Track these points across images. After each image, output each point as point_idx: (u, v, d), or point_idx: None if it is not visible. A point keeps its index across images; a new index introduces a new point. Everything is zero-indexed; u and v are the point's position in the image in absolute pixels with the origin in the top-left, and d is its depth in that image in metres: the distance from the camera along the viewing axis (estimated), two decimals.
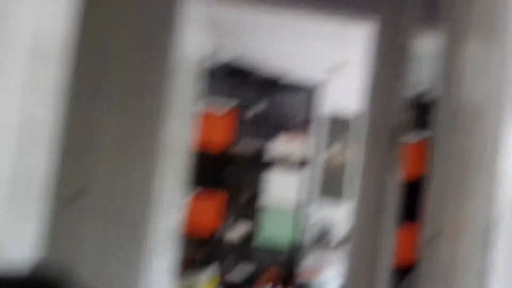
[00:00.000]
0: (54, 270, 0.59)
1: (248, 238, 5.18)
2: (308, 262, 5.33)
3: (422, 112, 2.73)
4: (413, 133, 2.77)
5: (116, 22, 2.71)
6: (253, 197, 5.19)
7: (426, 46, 2.78)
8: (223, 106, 5.09)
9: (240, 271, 5.17)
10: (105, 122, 2.69)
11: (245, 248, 5.24)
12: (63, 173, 2.02)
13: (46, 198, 1.58)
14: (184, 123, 3.19)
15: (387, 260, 2.80)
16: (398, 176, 2.79)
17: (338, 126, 5.60)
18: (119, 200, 2.71)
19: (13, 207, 1.38)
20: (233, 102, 5.16)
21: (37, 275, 0.59)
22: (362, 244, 3.02)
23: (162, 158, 2.77)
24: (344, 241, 4.88)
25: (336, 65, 4.80)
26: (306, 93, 5.30)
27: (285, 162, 5.17)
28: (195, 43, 3.20)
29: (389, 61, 2.98)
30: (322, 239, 5.46)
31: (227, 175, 5.18)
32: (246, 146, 5.19)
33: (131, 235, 2.71)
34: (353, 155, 4.97)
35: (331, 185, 5.54)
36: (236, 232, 5.16)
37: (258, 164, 5.19)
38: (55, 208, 1.79)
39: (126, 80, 2.72)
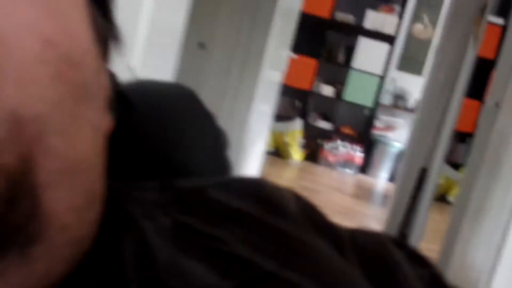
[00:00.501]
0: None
1: (334, 98, 5.26)
2: (382, 121, 5.42)
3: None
4: (493, 17, 2.67)
5: None
6: (344, 62, 5.19)
7: None
8: None
9: (321, 126, 5.33)
10: None
11: (331, 105, 5.37)
12: (189, 30, 2.10)
13: (176, 46, 1.72)
14: None
15: (450, 126, 2.81)
16: (473, 56, 2.74)
17: (432, 5, 5.36)
18: (232, 55, 2.73)
19: (151, 49, 1.46)
20: None
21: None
22: (430, 110, 2.98)
23: (274, 20, 2.74)
24: (416, 106, 4.91)
25: None
26: None
27: (376, 34, 5.08)
28: None
29: None
30: (398, 103, 5.41)
31: (325, 39, 5.23)
32: (343, 16, 5.14)
33: (242, 84, 2.78)
34: (437, 31, 4.88)
35: (412, 59, 5.39)
36: (326, 91, 5.24)
37: (351, 33, 5.14)
38: (182, 55, 1.93)
39: None
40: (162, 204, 0.34)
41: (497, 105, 1.95)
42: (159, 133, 0.47)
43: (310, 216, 0.37)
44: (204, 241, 0.32)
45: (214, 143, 0.52)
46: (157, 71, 1.53)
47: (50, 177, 0.24)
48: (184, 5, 1.63)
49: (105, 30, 0.30)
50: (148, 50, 1.40)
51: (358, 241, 0.38)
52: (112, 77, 0.37)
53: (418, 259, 0.40)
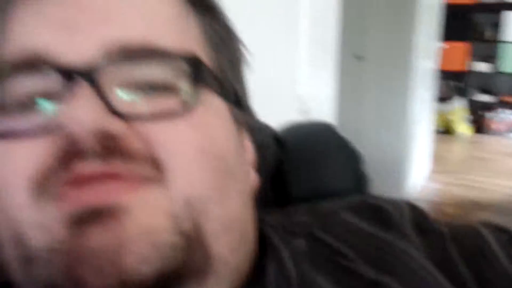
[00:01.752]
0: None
1: (490, 73, 4.72)
2: None
3: None
4: None
5: None
6: (494, 38, 4.63)
7: None
8: None
9: (482, 100, 4.83)
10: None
11: (488, 79, 4.82)
12: (348, 43, 2.06)
13: (336, 56, 1.52)
14: None
15: None
16: None
17: None
18: (387, 55, 2.63)
19: (312, 58, 1.33)
20: None
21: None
22: None
23: (418, 15, 2.59)
24: None
25: None
26: None
27: None
28: None
29: None
30: None
31: (472, 22, 4.71)
32: None
33: (399, 74, 2.66)
34: None
35: None
36: (481, 67, 4.75)
37: (497, 10, 4.53)
38: (343, 65, 1.78)
39: None
40: (306, 225, 0.38)
41: None
42: (307, 167, 0.51)
43: (418, 221, 0.38)
44: (334, 257, 0.35)
45: (352, 167, 0.53)
46: (319, 88, 1.44)
47: (214, 232, 0.29)
48: (335, 19, 1.44)
49: (242, 118, 0.35)
50: (310, 70, 1.34)
51: (457, 235, 0.37)
52: (266, 129, 0.45)
53: None
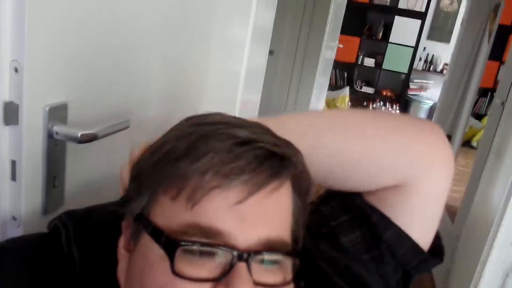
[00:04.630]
0: None
1: (375, 67, 5.19)
2: (416, 83, 5.30)
3: None
4: None
5: None
6: (383, 38, 5.11)
7: None
8: None
9: (365, 91, 5.29)
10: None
11: (373, 74, 5.30)
12: None
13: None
14: None
15: (476, 84, 2.73)
16: (494, 25, 2.58)
17: None
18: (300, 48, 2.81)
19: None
20: None
21: None
22: (458, 72, 2.96)
23: (330, 11, 2.74)
24: (445, 69, 4.76)
25: None
26: None
27: (409, 12, 4.98)
28: None
29: None
30: (429, 67, 5.27)
31: (366, 20, 5.13)
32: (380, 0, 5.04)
33: (309, 64, 2.86)
34: (462, 4, 4.66)
35: (440, 30, 5.18)
36: (368, 62, 5.20)
37: (389, 13, 5.04)
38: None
39: None
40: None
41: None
42: None
43: None
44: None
45: None
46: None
47: None
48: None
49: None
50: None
51: None
52: None
53: None
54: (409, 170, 0.49)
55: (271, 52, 2.67)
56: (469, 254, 1.66)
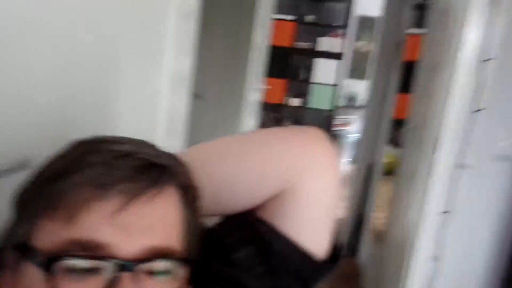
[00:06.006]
0: None
1: (301, 107, 5.42)
2: (340, 119, 5.55)
3: (421, 12, 2.54)
4: (415, 28, 2.65)
5: None
6: (306, 79, 5.38)
7: None
8: (288, 17, 5.16)
9: None
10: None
11: (300, 112, 5.52)
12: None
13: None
14: (265, 28, 3.13)
15: (389, 116, 2.93)
16: (400, 61, 2.77)
17: (366, 25, 5.41)
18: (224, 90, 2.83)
19: None
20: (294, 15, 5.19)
21: None
22: (374, 106, 3.11)
23: (251, 53, 2.84)
24: (363, 105, 4.98)
25: None
26: (345, 3, 5.24)
27: (327, 54, 5.29)
28: None
29: None
30: (350, 103, 5.56)
31: (290, 63, 5.37)
32: (301, 44, 5.32)
33: (236, 105, 2.92)
34: (374, 46, 4.99)
35: (357, 69, 5.49)
36: (294, 102, 5.43)
37: (310, 55, 5.32)
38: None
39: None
40: None
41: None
42: None
43: None
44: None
45: None
46: None
47: None
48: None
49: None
50: None
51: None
52: None
53: None
54: (285, 175, 0.48)
55: (198, 96, 2.73)
56: (392, 272, 1.74)
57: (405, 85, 3.01)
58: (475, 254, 1.52)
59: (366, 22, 5.38)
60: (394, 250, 1.78)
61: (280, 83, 5.31)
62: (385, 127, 2.98)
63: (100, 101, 0.81)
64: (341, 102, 5.56)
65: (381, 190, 2.97)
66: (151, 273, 0.38)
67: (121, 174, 0.37)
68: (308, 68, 5.38)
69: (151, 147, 0.42)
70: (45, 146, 0.53)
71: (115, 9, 0.82)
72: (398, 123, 4.81)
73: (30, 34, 0.58)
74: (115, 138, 0.42)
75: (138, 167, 0.38)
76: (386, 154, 3.04)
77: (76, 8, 0.68)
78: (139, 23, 0.91)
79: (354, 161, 3.56)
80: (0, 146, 0.56)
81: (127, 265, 0.36)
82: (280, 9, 4.74)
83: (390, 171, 4.74)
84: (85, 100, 0.76)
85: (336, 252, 0.53)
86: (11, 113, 0.56)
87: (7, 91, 0.55)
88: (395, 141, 4.72)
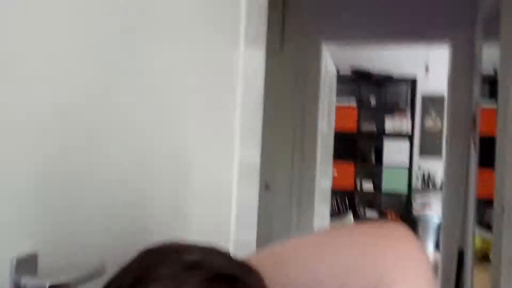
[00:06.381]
0: None
1: (374, 191, 5.27)
2: (418, 202, 5.26)
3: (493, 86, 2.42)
4: (487, 100, 2.58)
5: None
6: (376, 162, 5.27)
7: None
8: (350, 101, 5.24)
9: (369, 215, 5.28)
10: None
11: (373, 198, 5.34)
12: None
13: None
14: (329, 115, 3.35)
15: (473, 195, 2.71)
16: (477, 136, 2.68)
17: (435, 104, 5.37)
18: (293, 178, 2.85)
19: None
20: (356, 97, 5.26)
21: None
22: (454, 185, 2.96)
23: (318, 140, 2.91)
24: (442, 185, 4.73)
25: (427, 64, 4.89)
26: (407, 84, 5.25)
27: (395, 135, 5.19)
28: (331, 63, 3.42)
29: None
30: (427, 185, 5.32)
31: (357, 147, 5.29)
32: (367, 126, 5.31)
33: (306, 193, 2.96)
34: (445, 124, 4.85)
35: (428, 148, 5.34)
36: (366, 187, 5.28)
37: (377, 138, 5.26)
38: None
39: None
40: None
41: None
42: None
43: None
44: None
45: None
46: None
47: None
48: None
49: None
50: None
51: None
52: None
53: None
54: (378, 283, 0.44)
55: (267, 187, 2.72)
56: None
57: (484, 160, 2.85)
58: None
59: (431, 100, 5.32)
60: None
61: (349, 167, 5.21)
62: (471, 207, 2.77)
63: (173, 203, 0.83)
64: (417, 183, 5.33)
65: (476, 278, 2.66)
66: None
67: None
68: (377, 151, 5.28)
69: (222, 255, 0.40)
70: (119, 253, 0.57)
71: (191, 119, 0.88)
72: (485, 202, 4.45)
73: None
74: (183, 246, 0.40)
75: (208, 280, 0.35)
76: (478, 239, 2.79)
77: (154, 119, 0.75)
78: (211, 122, 0.95)
79: (441, 247, 3.29)
80: (81, 252, 0.59)
81: None
82: (341, 94, 4.81)
83: (484, 257, 4.31)
84: (161, 209, 0.78)
85: None
86: (91, 228, 0.62)
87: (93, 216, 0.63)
88: (485, 223, 4.34)
